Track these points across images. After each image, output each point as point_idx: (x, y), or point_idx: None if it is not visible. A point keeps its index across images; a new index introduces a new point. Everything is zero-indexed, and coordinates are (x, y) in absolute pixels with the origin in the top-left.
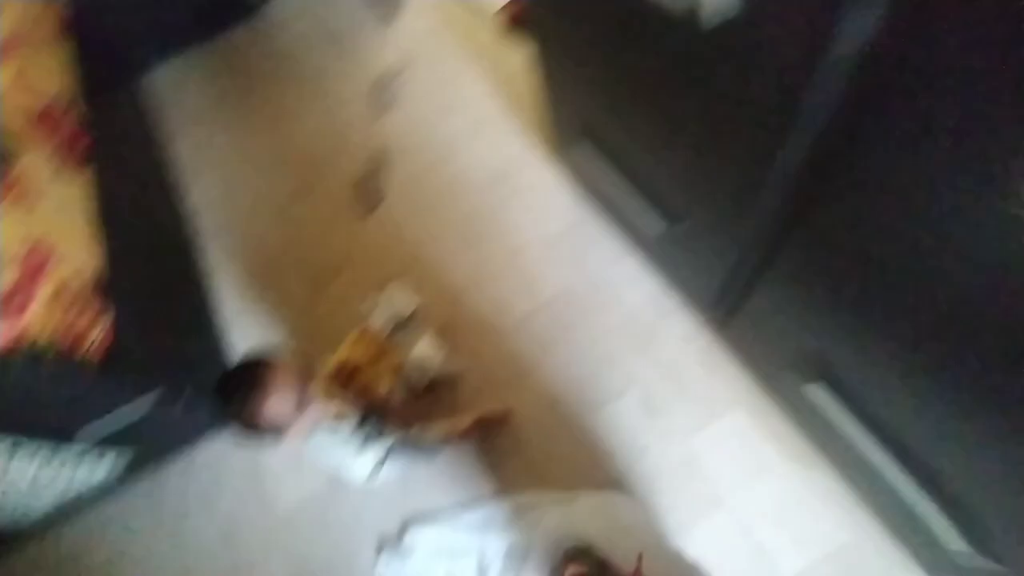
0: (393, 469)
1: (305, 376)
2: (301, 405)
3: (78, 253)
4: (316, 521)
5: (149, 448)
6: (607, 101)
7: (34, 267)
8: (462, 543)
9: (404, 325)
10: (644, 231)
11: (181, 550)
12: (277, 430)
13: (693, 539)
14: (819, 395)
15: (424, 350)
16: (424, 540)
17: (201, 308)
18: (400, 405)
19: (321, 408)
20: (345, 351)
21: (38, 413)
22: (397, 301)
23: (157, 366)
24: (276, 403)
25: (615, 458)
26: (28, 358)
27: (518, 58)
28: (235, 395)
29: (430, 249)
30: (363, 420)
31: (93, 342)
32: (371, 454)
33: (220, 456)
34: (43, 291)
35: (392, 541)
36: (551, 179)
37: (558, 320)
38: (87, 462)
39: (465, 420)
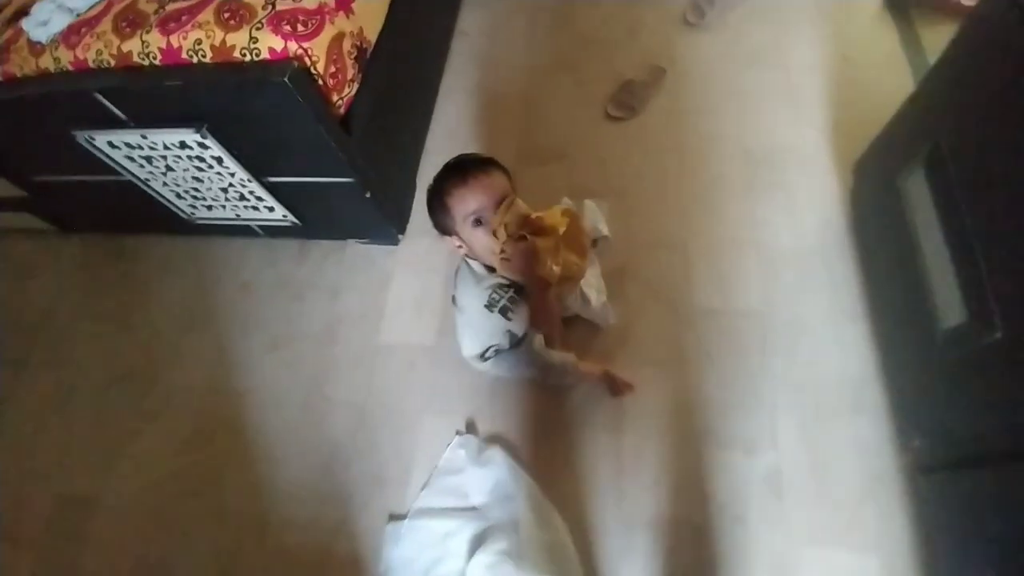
0: (498, 367)
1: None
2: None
3: (367, 17)
4: (401, 368)
5: (312, 220)
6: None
7: (337, 3)
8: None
9: None
10: (921, 310)
11: (290, 314)
12: (451, 226)
13: None
14: None
15: (591, 281)
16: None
17: (416, 126)
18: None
19: (488, 238)
20: (547, 213)
21: (263, 135)
22: (590, 218)
23: (362, 157)
24: (479, 191)
25: (703, 504)
26: (303, 73)
27: (885, 44)
28: (459, 165)
29: (649, 189)
30: (507, 286)
31: (338, 103)
32: (492, 325)
33: (364, 261)
34: (330, 29)
35: (472, 439)
36: (823, 191)
37: (736, 337)
38: (262, 206)
39: (594, 367)
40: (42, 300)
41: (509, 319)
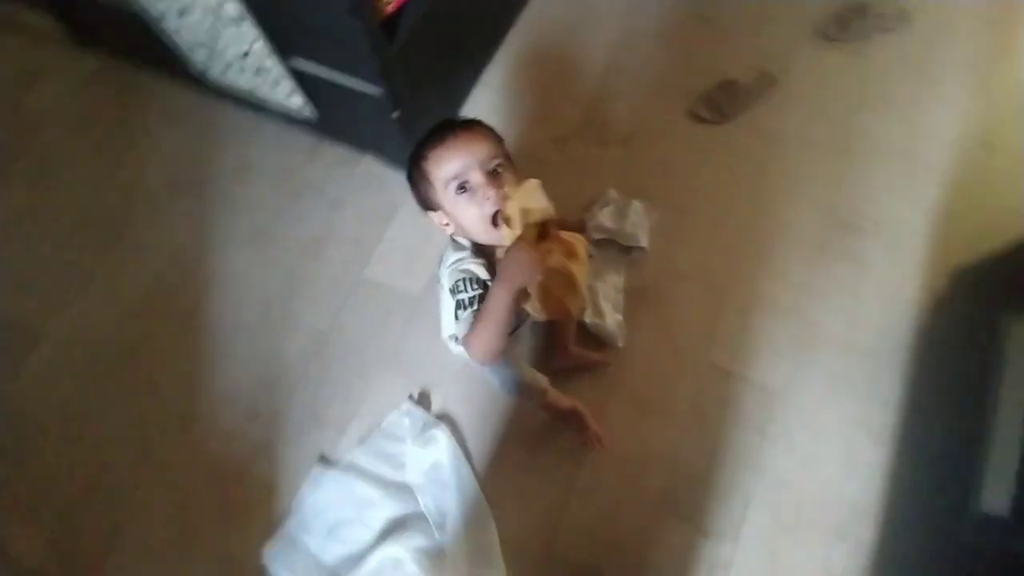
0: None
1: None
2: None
3: None
4: (377, 310)
5: (332, 121)
6: None
7: None
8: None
9: (616, 249)
10: (960, 476)
11: (283, 210)
12: (433, 197)
13: None
14: None
15: (608, 294)
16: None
17: (476, 55)
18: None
19: (475, 206)
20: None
21: (292, 8)
22: (632, 222)
23: (400, 71)
24: (460, 150)
25: (637, 571)
26: None
27: None
28: (438, 126)
29: (708, 212)
30: (483, 282)
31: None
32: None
33: (376, 182)
34: None
35: (419, 412)
36: (902, 286)
37: (738, 408)
38: (280, 88)
39: (564, 401)
40: (37, 112)
41: (456, 318)
